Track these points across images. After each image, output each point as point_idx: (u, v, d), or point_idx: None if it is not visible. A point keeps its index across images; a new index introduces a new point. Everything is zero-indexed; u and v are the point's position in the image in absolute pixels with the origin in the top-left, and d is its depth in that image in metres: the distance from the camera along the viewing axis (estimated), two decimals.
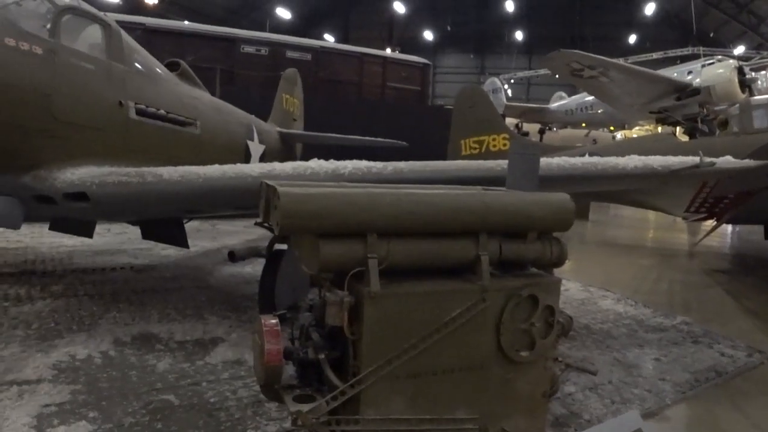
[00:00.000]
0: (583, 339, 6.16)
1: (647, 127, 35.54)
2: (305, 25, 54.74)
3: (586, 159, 5.58)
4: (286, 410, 2.95)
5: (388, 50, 33.66)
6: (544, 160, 5.12)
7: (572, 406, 4.45)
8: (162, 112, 6.79)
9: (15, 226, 5.78)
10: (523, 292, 3.28)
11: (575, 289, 8.58)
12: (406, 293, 3.04)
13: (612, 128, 39.54)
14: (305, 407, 2.89)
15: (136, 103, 6.41)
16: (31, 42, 5.39)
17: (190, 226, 7.33)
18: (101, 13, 6.59)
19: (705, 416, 4.72)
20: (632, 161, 5.46)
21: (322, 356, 3.02)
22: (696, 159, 5.26)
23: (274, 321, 3.11)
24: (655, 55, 41.12)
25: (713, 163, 5.40)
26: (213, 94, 9.39)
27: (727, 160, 5.72)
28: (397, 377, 3.03)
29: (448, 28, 61.24)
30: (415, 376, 3.09)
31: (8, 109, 5.19)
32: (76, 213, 6.04)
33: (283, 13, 54.66)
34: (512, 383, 3.36)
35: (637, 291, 8.87)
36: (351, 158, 5.19)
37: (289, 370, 3.30)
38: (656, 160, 5.44)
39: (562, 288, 3.61)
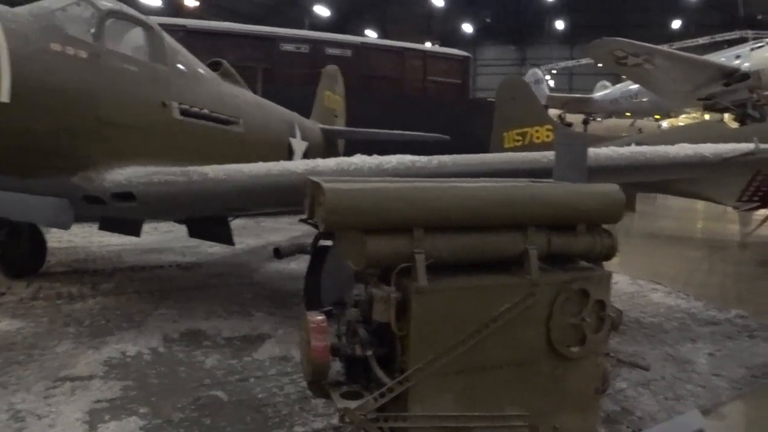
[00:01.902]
0: (633, 333, 6.03)
1: (694, 114, 34.71)
2: (343, 21, 54.80)
3: (635, 148, 5.45)
4: (334, 407, 2.93)
5: (428, 44, 33.49)
6: (591, 151, 5.01)
7: (624, 402, 4.35)
8: (205, 111, 6.86)
9: (66, 227, 5.91)
10: (572, 285, 3.21)
11: (624, 282, 8.41)
12: (453, 288, 3.00)
13: (658, 117, 38.72)
14: (353, 404, 2.87)
15: (179, 104, 6.49)
16: (77, 46, 5.50)
17: (236, 223, 7.38)
18: (144, 16, 6.68)
19: (763, 414, 4.57)
20: (682, 149, 5.32)
21: (369, 353, 2.99)
22: (750, 145, 5.10)
23: (320, 317, 3.10)
24: (701, 41, 39.98)
25: None
26: (254, 92, 9.45)
27: None
28: (445, 374, 2.99)
29: (488, 20, 60.64)
30: (464, 373, 3.05)
31: (56, 113, 5.30)
32: (123, 212, 6.14)
33: (321, 10, 54.80)
34: (563, 379, 3.30)
35: (687, 284, 8.65)
36: (393, 154, 5.16)
37: (337, 366, 3.30)
38: (707, 148, 5.29)
39: (611, 281, 3.52)
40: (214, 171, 5.43)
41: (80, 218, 6.18)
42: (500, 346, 3.10)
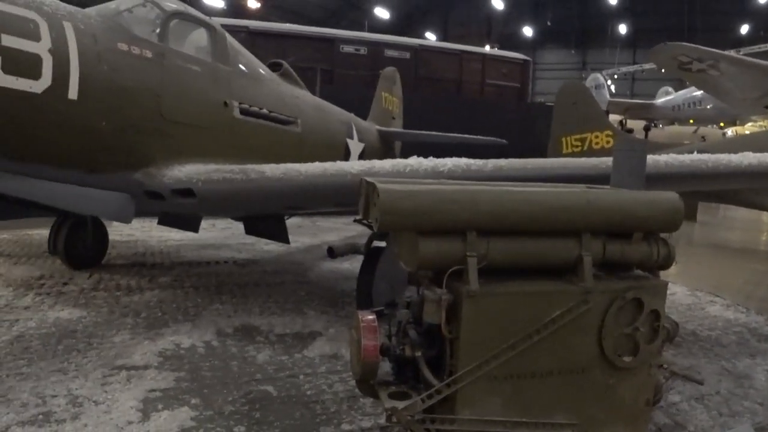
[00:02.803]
0: (689, 346, 5.88)
1: (761, 123, 33.63)
2: (404, 24, 54.99)
3: (696, 156, 5.31)
4: (381, 406, 2.95)
5: (487, 47, 33.33)
6: (651, 158, 4.92)
7: (677, 416, 4.24)
8: (265, 111, 6.98)
9: (127, 221, 6.10)
10: (627, 294, 3.16)
11: (681, 293, 8.20)
12: (505, 293, 2.99)
13: (722, 124, 37.67)
14: (400, 404, 2.89)
15: (240, 103, 6.62)
16: (142, 46, 5.68)
17: (291, 222, 7.47)
18: (207, 17, 6.84)
19: None
20: (746, 158, 5.16)
21: (418, 354, 3.01)
22: None
23: (371, 317, 3.13)
24: None
25: None
26: (313, 93, 9.56)
27: None
28: (494, 378, 2.98)
29: (548, 23, 60.01)
30: (513, 378, 3.03)
31: (121, 111, 5.48)
32: (182, 208, 6.29)
33: (382, 13, 55.08)
34: (614, 389, 3.25)
35: (749, 297, 8.38)
36: (450, 156, 5.15)
37: (386, 366, 3.32)
38: None
39: (668, 292, 3.44)
40: (272, 170, 5.52)
41: (141, 213, 6.36)
42: (551, 353, 3.08)
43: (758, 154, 5.21)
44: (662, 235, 3.42)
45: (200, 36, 6.69)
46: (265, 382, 4.52)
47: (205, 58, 6.44)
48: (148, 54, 5.70)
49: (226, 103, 6.42)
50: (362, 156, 9.53)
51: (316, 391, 4.40)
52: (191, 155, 6.02)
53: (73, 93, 5.05)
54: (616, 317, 3.14)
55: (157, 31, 5.96)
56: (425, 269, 3.00)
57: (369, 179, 3.11)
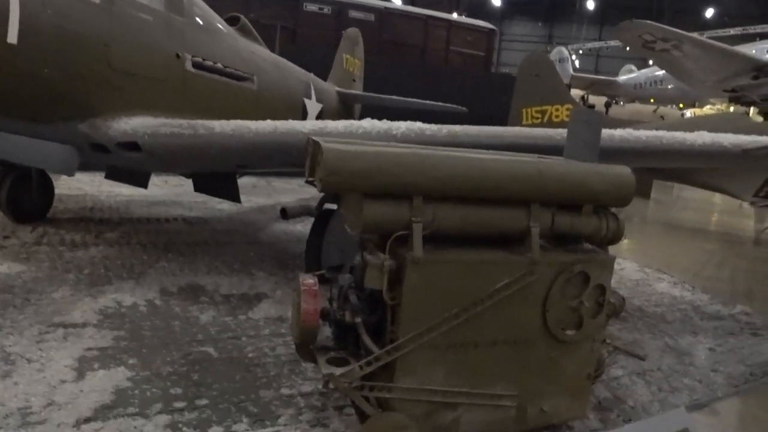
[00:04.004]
0: (635, 321, 5.94)
1: (719, 106, 34.17)
2: None
3: (651, 132, 5.29)
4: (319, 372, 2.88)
5: (455, 14, 33.04)
6: (606, 131, 4.87)
7: (617, 390, 4.27)
8: (219, 65, 6.75)
9: (70, 173, 5.88)
10: (574, 267, 3.14)
11: (631, 269, 8.29)
12: (450, 260, 2.94)
13: (681, 105, 38.22)
14: (338, 371, 2.83)
15: (193, 56, 6.38)
16: None
17: (247, 181, 7.32)
18: None
19: (758, 413, 4.49)
20: (701, 137, 5.15)
21: (359, 320, 2.95)
22: None
23: (312, 281, 3.05)
24: (732, 31, 39.30)
25: None
26: (273, 51, 9.31)
27: None
28: (436, 347, 2.94)
29: None
30: (455, 347, 3.00)
31: (67, 58, 5.21)
32: (129, 162, 6.09)
33: None
34: (556, 362, 3.24)
35: (696, 276, 8.53)
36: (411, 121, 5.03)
37: (327, 332, 3.26)
38: (727, 138, 5.13)
39: (617, 267, 3.43)
40: (222, 126, 5.34)
41: (91, 167, 6.11)
42: (494, 324, 3.04)
43: (713, 134, 5.21)
44: (613, 210, 3.40)
45: None
46: (206, 343, 4.42)
47: (158, 8, 6.16)
48: (97, 0, 5.43)
49: (178, 56, 6.18)
50: (320, 117, 9.34)
51: (257, 354, 4.32)
52: (140, 108, 5.78)
53: (12, 36, 4.77)
54: (561, 290, 3.12)
55: None
56: (370, 233, 2.93)
57: (315, 138, 2.99)
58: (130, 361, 4.00)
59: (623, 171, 3.35)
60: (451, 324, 2.91)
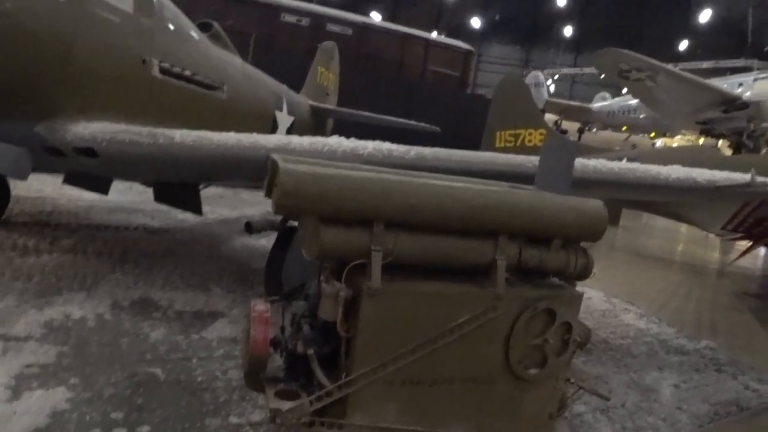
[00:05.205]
0: (599, 354, 5.83)
1: (689, 136, 34.68)
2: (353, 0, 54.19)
3: (625, 164, 5.20)
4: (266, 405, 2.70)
5: (434, 33, 33.12)
6: (579, 161, 4.78)
7: (580, 428, 4.13)
8: (188, 72, 6.55)
9: (22, 177, 5.63)
10: (539, 304, 3.00)
11: (598, 298, 8.21)
12: (409, 292, 2.78)
13: (653, 134, 38.71)
14: (286, 405, 2.66)
15: (161, 62, 6.17)
16: None
17: (213, 191, 7.09)
18: None
19: None
20: (674, 172, 5.08)
21: (311, 351, 2.77)
22: (747, 177, 4.85)
23: (263, 307, 2.87)
24: (705, 64, 40.02)
25: (767, 185, 4.99)
26: (245, 60, 9.13)
27: None
28: (391, 383, 2.78)
29: (497, 17, 60.25)
30: (411, 384, 2.83)
31: (24, 55, 4.98)
32: (87, 168, 5.84)
33: None
34: (517, 401, 3.09)
35: (662, 307, 8.48)
36: (386, 139, 4.87)
37: (278, 361, 3.07)
38: (701, 174, 5.05)
39: (584, 297, 3.29)
40: (182, 136, 5.12)
41: (44, 169, 5.86)
42: (454, 360, 2.89)
43: (686, 169, 5.15)
44: (583, 244, 3.27)
45: None
46: (154, 364, 4.19)
47: (126, 9, 5.96)
48: None
49: (144, 60, 5.97)
50: (291, 130, 9.17)
51: (207, 378, 4.10)
52: (101, 112, 5.56)
53: None
54: (525, 327, 2.98)
55: None
56: (326, 259, 2.76)
57: (275, 156, 2.82)
58: (72, 381, 3.76)
59: (596, 205, 3.23)
60: (407, 359, 2.75)
